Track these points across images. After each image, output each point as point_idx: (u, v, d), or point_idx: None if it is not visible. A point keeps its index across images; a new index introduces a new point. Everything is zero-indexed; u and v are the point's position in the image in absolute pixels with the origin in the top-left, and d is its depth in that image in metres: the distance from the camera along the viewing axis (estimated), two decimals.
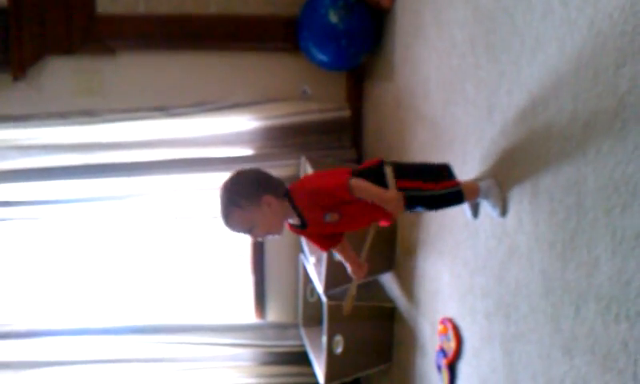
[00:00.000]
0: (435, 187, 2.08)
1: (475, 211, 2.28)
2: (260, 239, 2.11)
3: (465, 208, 2.31)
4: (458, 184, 2.12)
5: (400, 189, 2.03)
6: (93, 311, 3.98)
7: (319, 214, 2.03)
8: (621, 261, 1.53)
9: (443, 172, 2.14)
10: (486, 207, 2.18)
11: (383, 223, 2.19)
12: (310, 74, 3.65)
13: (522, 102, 1.97)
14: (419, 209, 2.12)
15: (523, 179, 1.99)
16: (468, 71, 2.36)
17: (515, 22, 2.01)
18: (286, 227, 2.12)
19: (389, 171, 2.02)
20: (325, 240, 2.18)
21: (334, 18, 3.30)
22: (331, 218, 2.05)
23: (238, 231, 2.05)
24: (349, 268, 2.23)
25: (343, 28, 3.31)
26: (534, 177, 1.92)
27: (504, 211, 2.09)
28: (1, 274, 3.93)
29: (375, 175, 2.05)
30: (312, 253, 3.49)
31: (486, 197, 2.13)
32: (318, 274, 3.32)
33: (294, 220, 2.08)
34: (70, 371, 3.84)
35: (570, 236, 1.73)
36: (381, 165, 2.07)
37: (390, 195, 2.00)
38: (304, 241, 3.57)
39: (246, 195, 1.99)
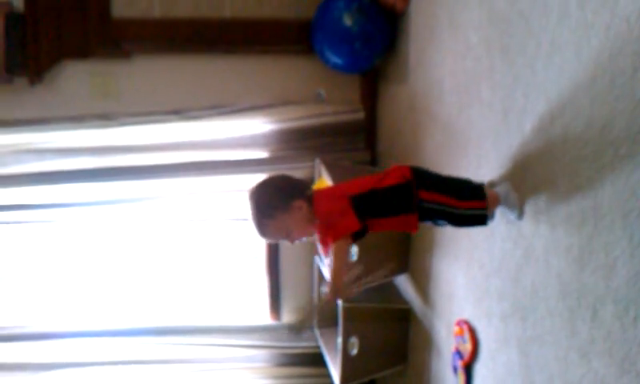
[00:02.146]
0: (460, 204, 2.05)
1: (491, 215, 2.27)
2: (296, 242, 2.10)
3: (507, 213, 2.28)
4: (484, 207, 2.07)
5: (423, 200, 2.01)
6: (109, 313, 4.01)
7: (325, 237, 2.03)
8: (638, 264, 1.53)
9: (472, 188, 2.11)
10: (504, 211, 2.17)
11: (409, 230, 2.18)
12: (324, 77, 3.66)
13: (538, 105, 1.97)
14: (441, 223, 2.11)
15: (540, 182, 1.99)
16: (483, 74, 2.36)
17: (531, 24, 2.01)
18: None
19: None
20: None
21: (348, 20, 3.31)
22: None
23: (276, 240, 2.09)
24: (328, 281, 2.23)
25: (357, 31, 3.31)
26: (551, 180, 1.92)
27: (521, 214, 2.08)
28: (16, 277, 3.96)
29: (397, 198, 2.02)
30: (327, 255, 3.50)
31: (504, 202, 2.13)
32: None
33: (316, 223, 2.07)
34: (86, 373, 3.87)
35: (587, 239, 1.74)
36: (408, 185, 2.02)
37: (336, 283, 1.99)
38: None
39: (277, 205, 2.00)
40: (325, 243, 2.03)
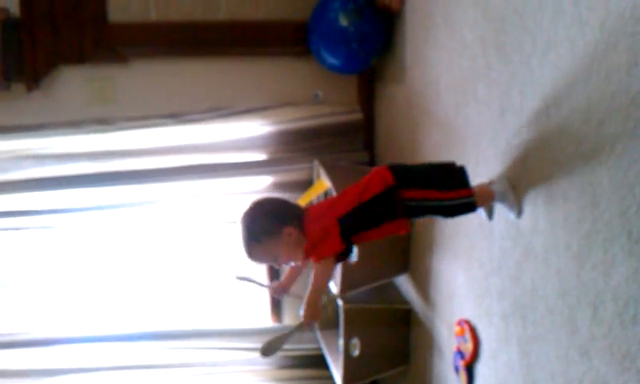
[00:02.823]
0: (445, 196, 2.04)
1: (490, 213, 2.27)
2: (284, 266, 2.14)
3: (480, 210, 2.29)
4: (470, 194, 2.07)
5: (407, 199, 2.01)
6: (110, 318, 4.01)
7: (309, 254, 2.04)
8: (637, 261, 1.52)
9: (455, 175, 2.09)
10: (503, 209, 2.16)
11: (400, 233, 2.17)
12: (321, 78, 3.66)
13: (535, 102, 1.97)
14: (429, 216, 2.12)
15: (537, 180, 1.98)
16: (479, 72, 2.36)
17: (525, 22, 2.00)
18: None
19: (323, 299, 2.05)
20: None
21: (344, 21, 3.30)
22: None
23: (263, 263, 2.11)
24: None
25: (353, 31, 3.31)
26: (549, 177, 1.91)
27: (520, 212, 2.08)
28: (17, 283, 3.96)
29: (384, 203, 2.02)
30: None
31: (502, 200, 2.12)
32: (334, 277, 3.32)
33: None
34: (88, 379, 3.87)
35: (586, 237, 1.73)
36: (390, 190, 2.02)
37: (309, 308, 2.01)
38: None
39: (267, 230, 2.01)
40: (307, 258, 2.04)
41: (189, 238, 3.99)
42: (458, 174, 2.10)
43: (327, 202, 2.29)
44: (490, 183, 2.18)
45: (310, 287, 2.02)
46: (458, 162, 2.15)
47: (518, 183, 2.09)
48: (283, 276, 2.24)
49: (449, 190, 2.05)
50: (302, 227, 2.04)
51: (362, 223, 2.02)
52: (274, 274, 3.77)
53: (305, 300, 2.01)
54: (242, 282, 2.18)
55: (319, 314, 2.03)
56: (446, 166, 2.15)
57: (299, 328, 2.09)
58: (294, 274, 2.21)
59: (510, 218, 2.13)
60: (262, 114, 3.62)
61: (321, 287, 2.01)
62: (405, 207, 2.02)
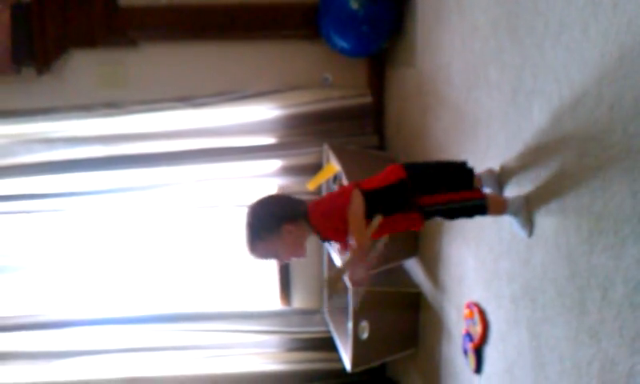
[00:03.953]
0: (457, 198, 2.10)
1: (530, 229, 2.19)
2: (286, 261, 2.20)
3: (515, 226, 2.22)
4: (482, 197, 2.12)
5: (420, 206, 2.06)
6: (120, 301, 4.03)
7: (342, 237, 2.08)
8: None
9: (464, 175, 2.15)
10: (514, 225, 2.17)
11: (414, 229, 2.20)
12: (331, 61, 3.66)
13: (547, 85, 1.96)
14: (438, 218, 2.15)
15: (549, 162, 1.98)
16: (491, 55, 2.35)
17: (538, 4, 1.99)
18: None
19: (375, 222, 2.02)
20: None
21: (354, 4, 3.29)
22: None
23: (264, 259, 2.14)
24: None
25: (364, 14, 3.30)
26: (560, 160, 1.91)
27: (531, 233, 2.09)
28: (27, 266, 3.98)
29: (394, 197, 2.07)
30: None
31: (515, 215, 2.13)
32: (343, 260, 3.32)
33: (313, 236, 2.13)
34: (98, 361, 3.90)
35: (596, 219, 1.73)
36: (402, 183, 2.08)
37: (362, 242, 2.00)
38: None
39: (267, 227, 2.06)
40: (340, 229, 2.05)
41: (198, 221, 4.01)
42: (464, 172, 2.16)
43: (333, 193, 2.30)
44: (504, 197, 2.19)
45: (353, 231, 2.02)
46: (469, 145, 2.15)
47: (530, 166, 2.09)
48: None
49: (461, 191, 2.12)
50: (307, 221, 2.08)
51: (375, 206, 2.04)
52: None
53: (352, 231, 2.01)
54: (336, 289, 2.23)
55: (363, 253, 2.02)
56: (451, 164, 2.22)
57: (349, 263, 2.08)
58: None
59: (523, 237, 2.13)
60: (272, 98, 3.62)
61: (360, 217, 2.01)
62: (423, 212, 2.07)
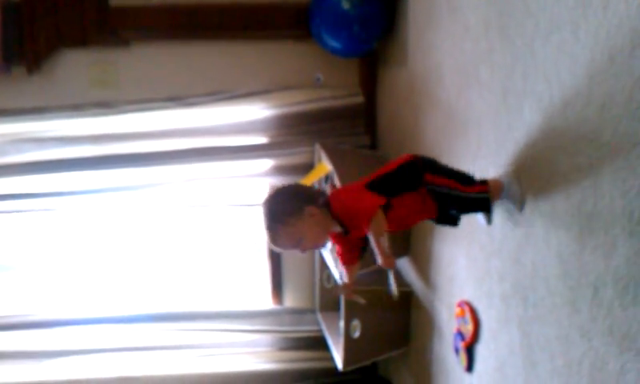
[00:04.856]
0: (464, 189, 2.09)
1: (489, 218, 2.29)
2: (307, 251, 2.11)
3: (478, 215, 2.32)
4: (487, 190, 2.12)
5: (430, 182, 2.05)
6: (111, 300, 4.03)
7: (359, 231, 2.04)
8: (638, 242, 1.53)
9: (471, 179, 2.15)
10: (505, 202, 2.18)
11: (430, 217, 2.19)
12: (322, 61, 3.66)
13: (537, 85, 1.97)
14: (453, 212, 2.15)
15: (539, 161, 1.99)
16: (482, 55, 2.36)
17: (528, 4, 2.00)
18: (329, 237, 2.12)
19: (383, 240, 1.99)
20: (347, 254, 2.17)
21: (345, 4, 3.30)
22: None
23: (287, 248, 2.05)
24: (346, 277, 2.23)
25: (355, 14, 3.30)
26: (551, 159, 1.92)
27: (523, 206, 2.09)
28: (18, 266, 3.97)
29: (405, 174, 2.06)
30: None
31: (506, 193, 2.13)
32: (334, 259, 3.33)
33: (336, 228, 2.07)
34: (90, 360, 3.89)
35: (587, 218, 1.74)
36: (414, 164, 2.08)
37: (384, 256, 1.97)
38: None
39: (289, 211, 2.00)
40: (360, 230, 2.02)
41: (190, 220, 4.01)
42: (473, 177, 2.16)
43: (354, 183, 2.27)
44: (499, 177, 2.19)
45: (376, 245, 1.98)
46: (460, 144, 2.17)
47: (520, 168, 2.10)
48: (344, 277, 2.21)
49: (468, 185, 2.11)
50: (328, 209, 2.04)
51: (390, 188, 2.03)
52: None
53: (378, 252, 1.97)
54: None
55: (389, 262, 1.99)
56: (463, 171, 2.20)
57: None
58: (353, 271, 2.20)
59: (512, 211, 2.14)
60: (263, 98, 3.62)
61: (382, 236, 1.97)
62: (430, 190, 2.06)
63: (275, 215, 2.00)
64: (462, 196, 2.10)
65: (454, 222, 2.20)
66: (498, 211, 2.26)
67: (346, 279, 2.20)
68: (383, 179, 2.07)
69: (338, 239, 2.12)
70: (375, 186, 2.05)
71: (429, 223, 2.95)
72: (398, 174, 2.07)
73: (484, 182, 2.14)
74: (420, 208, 2.09)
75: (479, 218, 2.33)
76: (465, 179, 2.13)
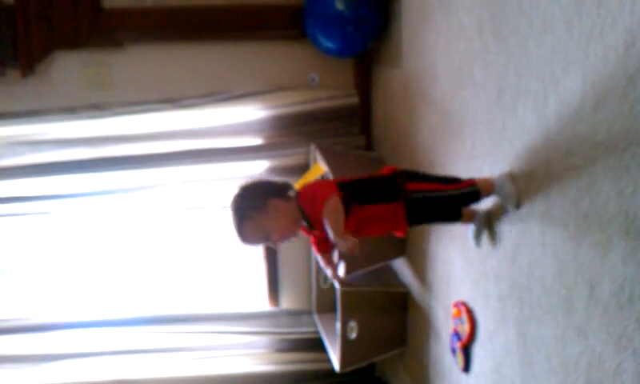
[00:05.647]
0: (446, 188, 2.11)
1: (478, 240, 2.31)
2: (279, 245, 2.11)
3: (469, 235, 2.34)
4: (473, 183, 2.13)
5: (411, 191, 2.06)
6: (107, 303, 4.02)
7: (320, 221, 2.02)
8: (634, 241, 1.53)
9: (455, 179, 2.17)
10: (501, 201, 2.18)
11: (398, 234, 2.21)
12: (317, 62, 3.66)
13: (531, 84, 1.97)
14: (425, 219, 2.17)
15: (534, 161, 1.99)
16: (476, 55, 2.36)
17: (522, 3, 2.00)
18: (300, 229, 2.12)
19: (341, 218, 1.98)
20: (321, 244, 2.17)
21: (339, 4, 3.29)
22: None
23: (256, 243, 2.07)
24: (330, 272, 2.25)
25: (349, 15, 3.30)
26: (545, 158, 1.92)
27: (518, 205, 2.08)
28: (15, 269, 3.96)
29: (380, 187, 2.07)
30: None
31: (499, 192, 2.13)
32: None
33: (303, 222, 2.09)
34: (87, 364, 3.88)
35: (583, 217, 1.74)
36: (394, 177, 2.09)
37: (341, 238, 1.93)
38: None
39: (253, 205, 2.02)
40: (317, 216, 2.02)
41: (186, 222, 4.00)
42: (458, 179, 2.17)
43: (323, 182, 2.28)
44: (490, 177, 2.19)
45: (331, 231, 1.96)
46: (454, 144, 2.17)
47: (515, 164, 2.10)
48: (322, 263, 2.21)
49: (450, 184, 2.13)
50: (298, 203, 2.05)
51: (359, 194, 2.04)
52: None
53: (332, 234, 1.95)
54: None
55: (347, 247, 1.93)
56: (446, 175, 2.22)
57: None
58: (328, 258, 2.21)
59: (508, 210, 2.14)
60: (258, 99, 3.62)
61: (339, 226, 1.95)
62: (408, 200, 2.06)
63: (240, 211, 2.03)
64: (446, 195, 2.10)
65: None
66: (497, 217, 2.26)
67: (325, 266, 2.21)
68: (358, 182, 2.08)
69: (308, 231, 2.13)
70: (348, 185, 2.06)
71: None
72: (374, 182, 2.08)
73: (470, 179, 2.16)
74: (387, 219, 2.09)
75: (469, 236, 2.34)
76: (448, 181, 2.15)
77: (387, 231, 2.19)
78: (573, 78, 1.75)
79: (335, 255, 2.29)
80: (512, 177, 2.11)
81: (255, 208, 2.02)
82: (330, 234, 1.96)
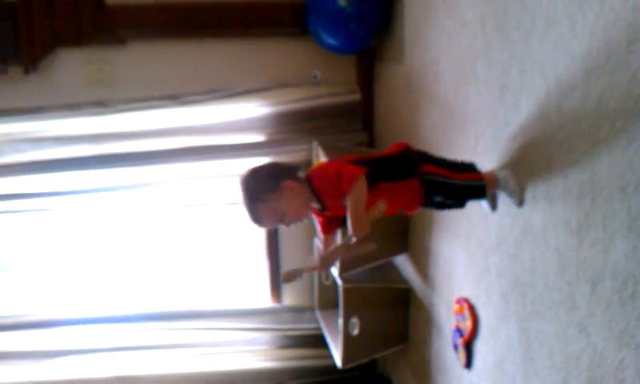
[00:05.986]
0: (457, 177, 2.09)
1: (494, 204, 2.28)
2: (293, 225, 2.07)
3: (482, 203, 2.31)
4: (481, 178, 2.13)
5: (425, 173, 2.05)
6: (110, 299, 4.02)
7: (337, 200, 2.00)
8: (636, 237, 1.53)
9: (468, 166, 2.16)
10: (504, 197, 2.17)
11: (410, 212, 2.21)
12: (319, 58, 3.65)
13: (534, 80, 1.97)
14: (437, 198, 2.13)
15: (537, 158, 1.99)
16: (479, 51, 2.35)
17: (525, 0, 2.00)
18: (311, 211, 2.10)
19: (379, 207, 1.96)
20: (327, 225, 2.16)
21: (342, 1, 3.29)
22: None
23: (271, 225, 2.05)
24: (317, 255, 2.20)
25: (352, 11, 3.29)
26: (548, 155, 1.92)
27: (521, 201, 2.08)
28: (17, 266, 3.97)
29: (398, 164, 2.05)
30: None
31: (504, 187, 2.13)
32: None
33: (315, 204, 2.06)
34: (88, 360, 3.89)
35: (585, 214, 1.74)
36: (408, 154, 2.08)
37: (362, 219, 1.91)
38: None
39: (266, 188, 1.99)
40: (336, 206, 2.00)
41: (188, 219, 4.00)
42: (468, 165, 2.17)
43: (335, 160, 2.23)
44: (494, 170, 2.19)
45: (352, 212, 1.92)
46: (457, 141, 2.17)
47: (518, 161, 2.10)
48: (319, 250, 2.19)
49: (461, 173, 2.11)
50: (309, 184, 2.02)
51: (375, 172, 2.00)
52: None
53: (350, 219, 1.92)
54: (290, 281, 2.15)
55: (362, 228, 1.92)
56: (459, 160, 2.20)
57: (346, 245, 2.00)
58: (329, 241, 2.19)
59: (512, 205, 2.14)
60: (261, 95, 3.62)
61: (361, 207, 1.92)
62: (423, 180, 2.05)
63: (253, 195, 1.99)
64: (456, 184, 2.09)
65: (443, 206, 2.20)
66: (499, 204, 2.26)
67: (321, 247, 2.19)
68: (372, 162, 2.04)
69: (319, 212, 2.11)
70: (363, 162, 2.02)
71: (427, 220, 2.97)
72: (391, 161, 2.07)
73: (476, 170, 2.16)
74: (404, 196, 2.07)
75: (483, 204, 2.31)
76: (458, 168, 2.13)
77: (402, 209, 2.17)
78: (576, 74, 1.75)
79: (338, 237, 2.24)
80: (515, 172, 2.10)
81: (270, 190, 1.99)
82: (349, 220, 1.93)
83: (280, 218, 2.02)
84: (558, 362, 1.91)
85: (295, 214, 2.03)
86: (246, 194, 2.01)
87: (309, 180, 2.04)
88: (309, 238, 3.84)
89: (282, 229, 3.87)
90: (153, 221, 3.98)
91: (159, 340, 3.91)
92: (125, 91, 3.60)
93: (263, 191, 1.99)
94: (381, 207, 1.96)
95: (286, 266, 4.00)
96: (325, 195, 2.02)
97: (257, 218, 2.02)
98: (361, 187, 1.93)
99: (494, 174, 2.16)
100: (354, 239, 1.94)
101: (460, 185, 2.10)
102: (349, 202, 1.93)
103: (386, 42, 3.49)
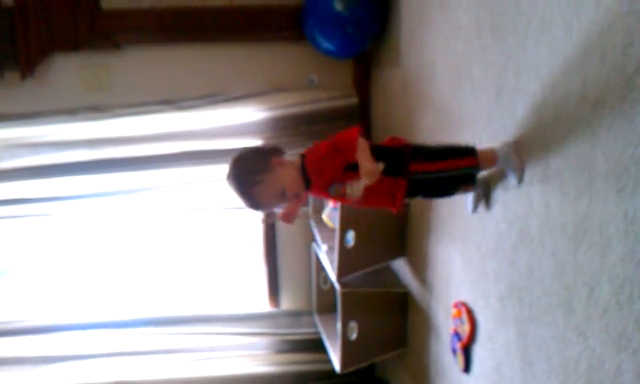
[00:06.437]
0: (444, 167, 2.05)
1: (476, 205, 2.29)
2: (296, 204, 2.02)
3: (468, 201, 2.32)
4: (474, 165, 2.08)
5: (411, 173, 2.03)
6: (108, 305, 4.01)
7: (324, 184, 2.01)
8: (633, 241, 1.53)
9: (464, 150, 2.11)
10: (500, 201, 2.16)
11: (392, 209, 2.15)
12: (316, 63, 3.65)
13: (530, 83, 1.97)
14: (421, 196, 2.14)
15: (533, 161, 1.98)
16: (474, 54, 2.35)
17: (520, 3, 2.00)
18: None
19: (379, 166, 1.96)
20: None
21: (338, 5, 3.29)
22: (335, 191, 2.03)
23: (272, 206, 2.01)
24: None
25: (348, 15, 3.30)
26: (544, 158, 1.91)
27: (522, 178, 2.05)
28: (15, 271, 3.96)
29: (391, 159, 2.03)
30: (324, 241, 3.50)
31: (505, 163, 2.10)
32: (331, 261, 3.33)
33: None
34: (87, 365, 3.88)
35: (582, 217, 1.73)
36: (404, 149, 2.07)
37: (370, 166, 1.93)
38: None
39: (258, 169, 1.96)
40: (319, 186, 2.01)
41: (185, 224, 3.99)
42: (465, 149, 2.12)
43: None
44: (494, 147, 2.15)
45: (360, 160, 1.95)
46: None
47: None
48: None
49: (451, 158, 2.07)
50: (304, 162, 2.02)
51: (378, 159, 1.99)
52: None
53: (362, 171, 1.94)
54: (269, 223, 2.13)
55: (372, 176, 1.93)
56: (455, 144, 2.17)
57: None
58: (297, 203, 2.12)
59: (512, 184, 2.12)
60: (257, 100, 3.61)
61: (369, 159, 1.95)
62: (410, 179, 2.03)
63: (247, 180, 1.96)
64: (446, 176, 2.06)
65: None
66: (493, 210, 2.25)
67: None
68: (374, 148, 2.02)
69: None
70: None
71: (425, 224, 2.97)
72: (386, 152, 2.04)
73: (472, 152, 2.09)
74: (385, 193, 2.06)
75: (468, 202, 2.34)
76: (448, 154, 2.09)
77: (382, 206, 2.13)
78: (571, 77, 1.75)
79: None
80: (517, 148, 2.06)
81: (262, 170, 1.96)
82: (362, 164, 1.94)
83: (281, 194, 1.98)
84: (555, 366, 1.90)
85: (294, 186, 1.99)
86: (239, 183, 1.97)
87: (303, 158, 2.02)
88: (307, 242, 3.83)
89: (282, 227, 3.87)
90: (151, 226, 3.97)
91: (158, 345, 3.91)
92: (121, 96, 3.59)
93: (256, 173, 1.96)
94: (357, 188, 1.95)
95: (285, 270, 4.01)
96: (314, 175, 2.01)
97: (256, 202, 1.98)
98: (362, 145, 1.96)
99: (491, 152, 2.11)
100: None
101: (450, 176, 2.07)
102: (359, 162, 1.94)
103: (383, 46, 3.49)
